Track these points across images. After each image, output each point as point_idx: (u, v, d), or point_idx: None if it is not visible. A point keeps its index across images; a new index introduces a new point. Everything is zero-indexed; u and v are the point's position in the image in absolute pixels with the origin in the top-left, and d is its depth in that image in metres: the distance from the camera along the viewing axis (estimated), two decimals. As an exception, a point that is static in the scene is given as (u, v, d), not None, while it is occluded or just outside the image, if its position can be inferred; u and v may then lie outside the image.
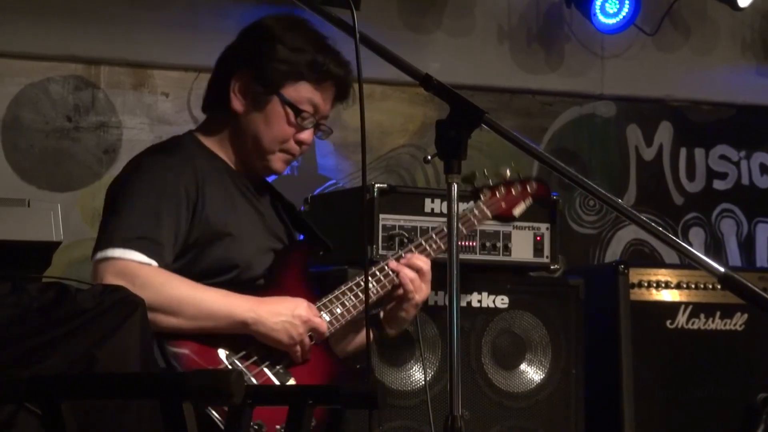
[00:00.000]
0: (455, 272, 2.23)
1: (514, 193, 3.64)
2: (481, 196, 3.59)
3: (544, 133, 5.44)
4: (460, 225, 3.42)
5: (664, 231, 2.36)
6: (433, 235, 3.45)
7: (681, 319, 4.56)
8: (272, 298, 3.10)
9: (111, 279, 2.92)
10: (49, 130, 4.71)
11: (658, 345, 4.50)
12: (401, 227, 3.99)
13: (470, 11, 5.25)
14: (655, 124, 5.61)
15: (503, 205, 3.62)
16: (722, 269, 2.28)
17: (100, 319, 3.57)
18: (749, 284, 2.27)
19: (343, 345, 3.38)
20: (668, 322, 4.55)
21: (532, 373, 4.19)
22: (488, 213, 3.59)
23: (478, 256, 4.16)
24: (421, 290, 3.33)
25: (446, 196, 2.29)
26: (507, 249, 4.22)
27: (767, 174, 5.76)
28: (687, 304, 4.56)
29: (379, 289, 3.31)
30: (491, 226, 4.22)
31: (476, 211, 3.56)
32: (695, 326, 4.57)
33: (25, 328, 3.53)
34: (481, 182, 3.60)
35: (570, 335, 4.24)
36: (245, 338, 3.08)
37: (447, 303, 2.28)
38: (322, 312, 3.19)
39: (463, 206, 3.51)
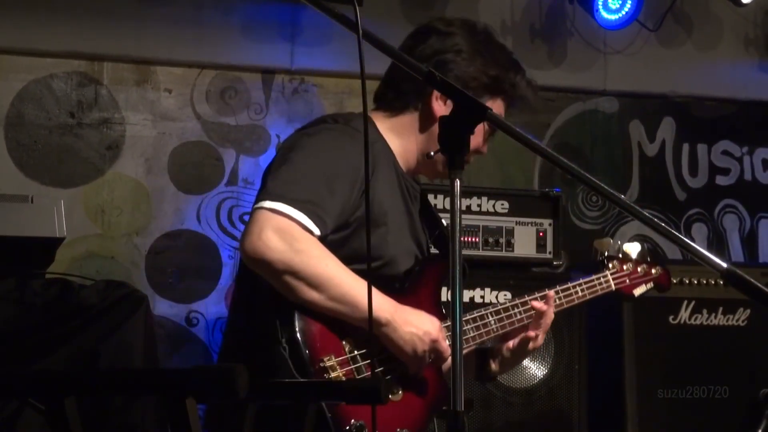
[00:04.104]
0: (458, 268, 2.23)
1: (639, 272, 3.59)
2: (610, 266, 3.53)
3: (547, 129, 5.44)
4: (579, 289, 3.41)
5: (666, 227, 2.35)
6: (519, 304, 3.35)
7: (684, 314, 4.56)
8: (411, 308, 3.05)
9: (270, 232, 2.85)
10: (53, 126, 4.71)
11: (661, 340, 4.51)
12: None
13: (473, 7, 5.25)
14: (657, 120, 5.61)
15: (627, 281, 3.55)
16: (725, 265, 2.28)
17: (104, 315, 3.58)
18: (752, 280, 2.27)
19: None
20: (671, 318, 4.55)
21: (534, 368, 4.20)
22: (613, 285, 3.52)
23: (480, 252, 4.17)
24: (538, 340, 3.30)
25: (449, 192, 2.29)
26: (510, 245, 4.22)
27: (770, 169, 5.77)
28: (690, 299, 4.57)
29: (506, 325, 3.26)
30: (493, 221, 4.23)
31: (602, 280, 3.50)
32: (698, 322, 4.57)
33: (30, 324, 3.54)
34: (609, 252, 3.54)
35: (573, 331, 4.24)
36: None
37: (450, 298, 2.27)
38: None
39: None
